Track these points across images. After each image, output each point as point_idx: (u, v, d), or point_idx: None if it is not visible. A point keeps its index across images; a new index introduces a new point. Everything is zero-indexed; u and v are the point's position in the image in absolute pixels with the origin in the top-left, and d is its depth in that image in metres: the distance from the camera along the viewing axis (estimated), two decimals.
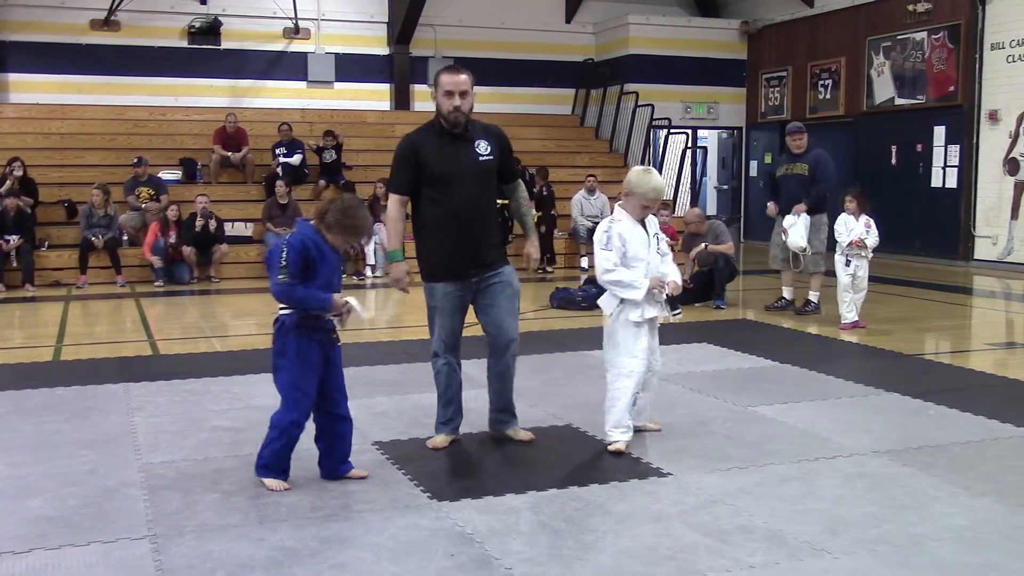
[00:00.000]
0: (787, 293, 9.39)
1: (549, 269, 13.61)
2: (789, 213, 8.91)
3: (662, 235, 5.01)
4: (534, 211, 13.03)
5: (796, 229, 8.82)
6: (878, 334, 8.25)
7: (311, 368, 4.17)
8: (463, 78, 4.71)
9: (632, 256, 4.77)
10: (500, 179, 4.92)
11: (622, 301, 4.80)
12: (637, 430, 4.95)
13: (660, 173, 17.77)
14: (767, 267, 14.21)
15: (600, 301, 4.93)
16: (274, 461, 4.23)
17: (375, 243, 13.00)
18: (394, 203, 4.86)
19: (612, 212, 4.95)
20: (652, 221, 4.93)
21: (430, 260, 4.79)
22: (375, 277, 12.91)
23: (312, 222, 4.23)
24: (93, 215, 12.25)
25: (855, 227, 8.31)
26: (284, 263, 4.07)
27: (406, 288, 4.86)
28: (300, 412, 4.19)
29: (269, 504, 4.03)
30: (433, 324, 4.83)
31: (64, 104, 15.48)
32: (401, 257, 4.87)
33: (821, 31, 16.88)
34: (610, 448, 4.79)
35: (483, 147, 4.77)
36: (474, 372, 5.00)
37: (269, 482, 4.21)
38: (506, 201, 5.17)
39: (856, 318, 8.45)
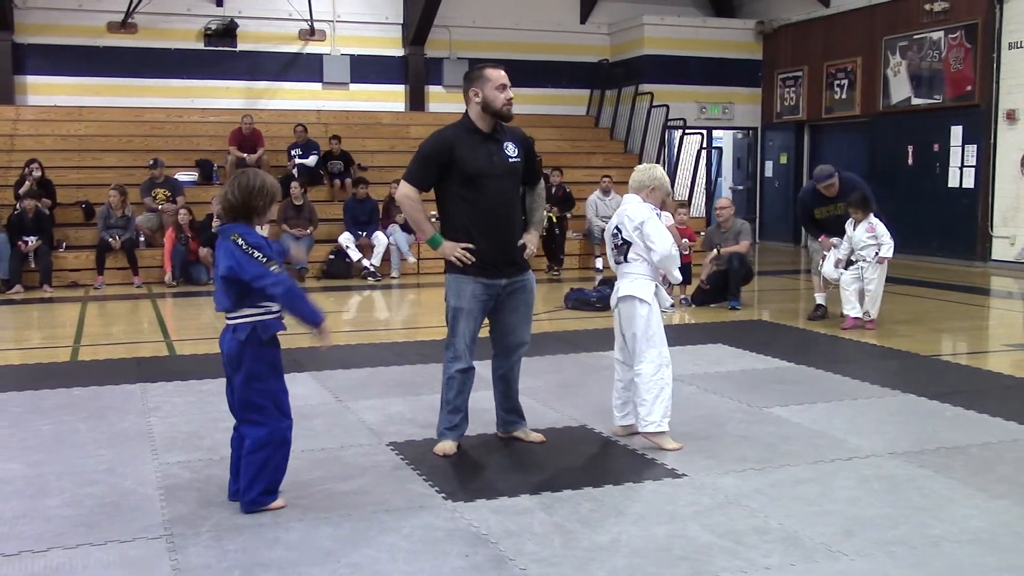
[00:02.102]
0: (820, 299, 9.26)
1: (555, 269, 13.48)
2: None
3: None
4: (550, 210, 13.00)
5: (830, 260, 8.78)
6: (894, 335, 8.21)
7: (281, 372, 3.98)
8: (505, 72, 4.72)
9: None
10: (523, 181, 4.90)
11: (656, 291, 4.85)
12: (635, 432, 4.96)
13: (675, 174, 17.47)
14: (782, 268, 14.25)
15: (636, 291, 4.79)
16: (276, 479, 3.96)
17: (389, 244, 13.02)
18: (413, 192, 4.72)
19: (631, 207, 4.94)
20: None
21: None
22: (392, 278, 12.92)
23: (237, 222, 3.88)
24: (110, 216, 12.33)
25: (855, 235, 8.45)
26: (262, 257, 3.74)
27: (469, 255, 4.63)
28: (289, 413, 3.98)
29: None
30: (456, 325, 4.73)
31: (81, 106, 15.60)
32: (442, 239, 4.70)
33: (837, 31, 16.80)
34: (672, 447, 4.76)
35: (511, 149, 4.76)
36: (484, 371, 5.00)
37: (276, 504, 3.94)
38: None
39: (857, 315, 8.47)
